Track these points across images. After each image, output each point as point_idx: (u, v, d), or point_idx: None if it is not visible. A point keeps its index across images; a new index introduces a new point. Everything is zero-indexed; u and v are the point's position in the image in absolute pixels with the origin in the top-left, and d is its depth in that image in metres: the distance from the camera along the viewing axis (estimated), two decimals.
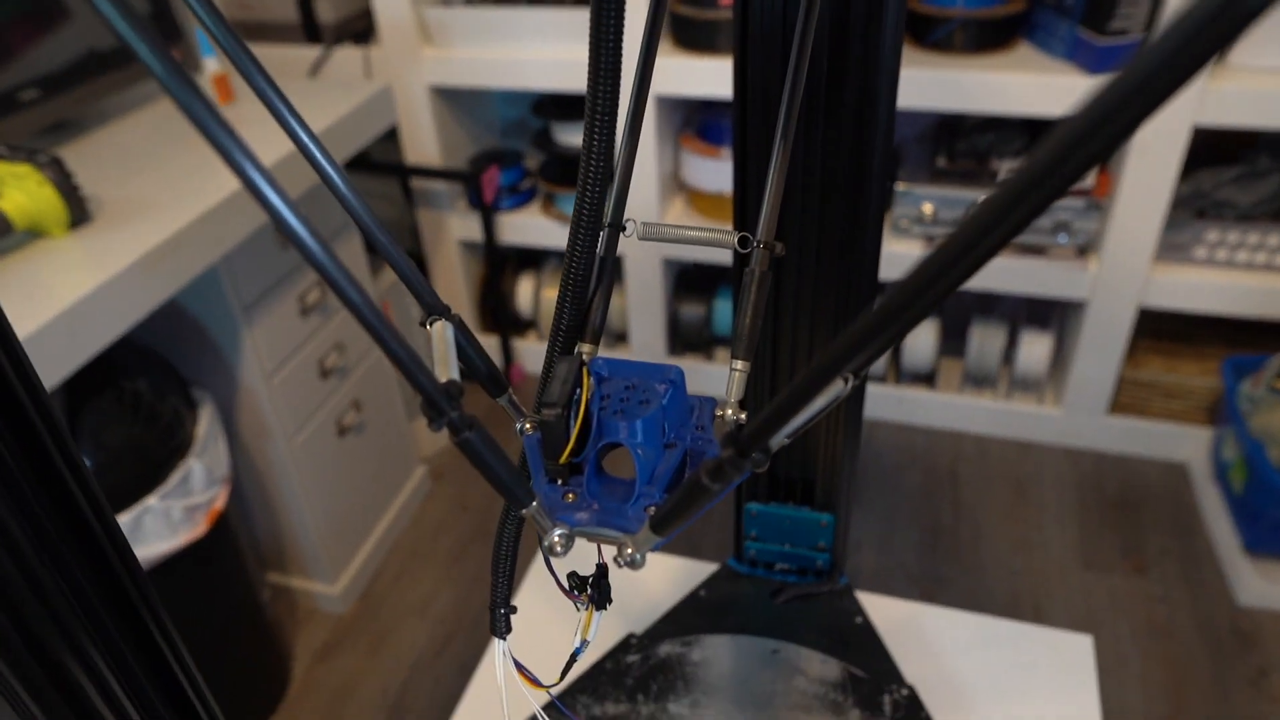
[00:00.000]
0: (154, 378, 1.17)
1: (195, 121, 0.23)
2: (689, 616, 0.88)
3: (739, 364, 0.45)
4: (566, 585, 0.47)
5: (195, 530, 1.16)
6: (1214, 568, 1.55)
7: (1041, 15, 1.55)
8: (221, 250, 1.14)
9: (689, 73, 1.61)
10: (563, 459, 0.39)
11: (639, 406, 0.40)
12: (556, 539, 0.37)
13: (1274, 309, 1.55)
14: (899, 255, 1.65)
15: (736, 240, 0.47)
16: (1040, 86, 1.47)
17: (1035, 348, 1.78)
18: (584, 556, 0.44)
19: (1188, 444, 1.74)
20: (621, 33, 0.40)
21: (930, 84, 1.51)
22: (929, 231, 1.67)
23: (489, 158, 1.89)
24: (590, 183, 0.43)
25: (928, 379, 1.90)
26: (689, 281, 1.97)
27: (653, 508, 0.38)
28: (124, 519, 1.09)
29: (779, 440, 0.32)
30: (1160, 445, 1.77)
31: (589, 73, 0.41)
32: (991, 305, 1.86)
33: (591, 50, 0.40)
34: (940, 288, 0.22)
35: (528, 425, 0.40)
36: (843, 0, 0.55)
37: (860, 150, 0.63)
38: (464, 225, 1.93)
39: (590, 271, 0.45)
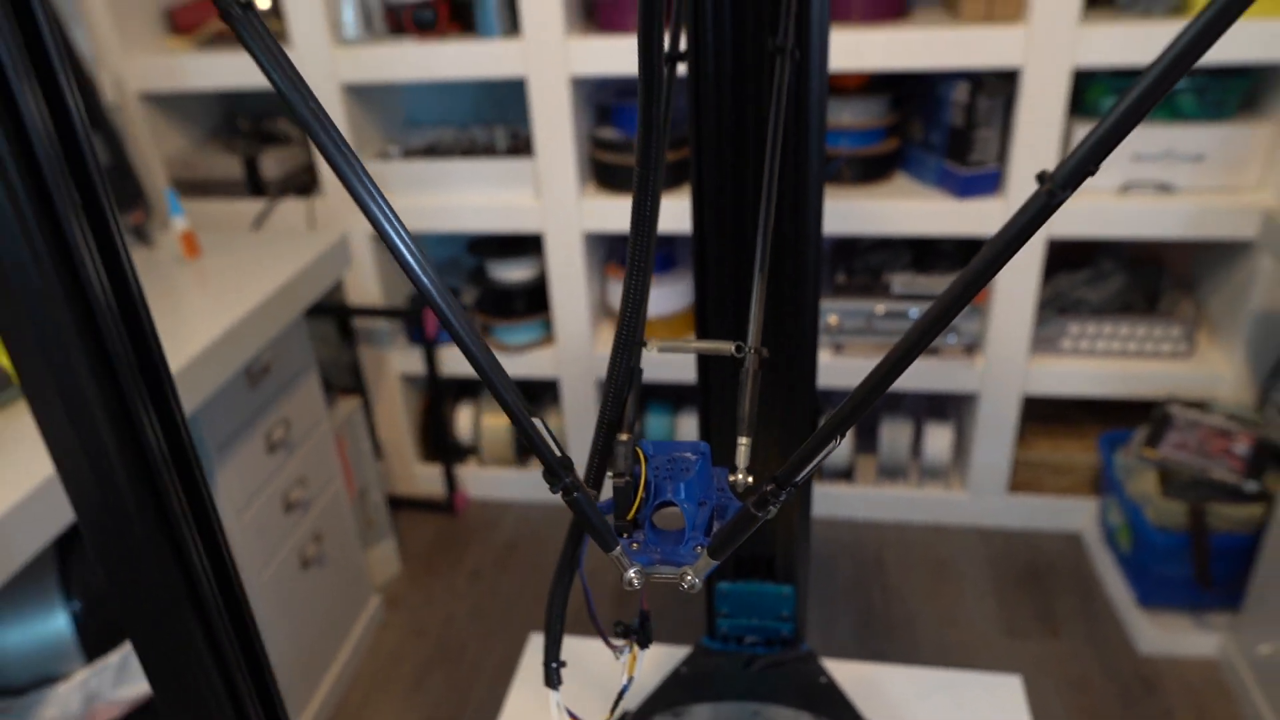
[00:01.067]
0: None
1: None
2: (674, 691, 0.98)
3: (743, 440, 0.58)
4: (613, 633, 0.58)
5: None
6: (1115, 623, 1.72)
7: (913, 151, 1.80)
8: (202, 397, 1.22)
9: (613, 210, 1.79)
10: (630, 515, 0.51)
11: (682, 473, 0.52)
12: (634, 575, 0.49)
13: (1133, 389, 1.79)
14: None
15: (734, 348, 0.61)
16: (917, 210, 1.71)
17: (938, 438, 1.97)
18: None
19: (1079, 514, 1.94)
20: (658, 208, 0.54)
21: (829, 214, 1.73)
22: (836, 340, 1.86)
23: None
24: (629, 312, 0.56)
25: (846, 475, 2.07)
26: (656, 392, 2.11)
27: (699, 546, 0.50)
28: (110, 660, 1.12)
29: (801, 478, 0.45)
30: (1056, 518, 1.96)
31: (630, 243, 0.53)
32: (897, 403, 2.06)
33: (633, 226, 0.53)
34: (896, 371, 0.37)
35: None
36: (789, 156, 0.72)
37: (800, 272, 0.79)
38: (405, 359, 2.03)
39: (627, 380, 0.58)
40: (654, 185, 0.51)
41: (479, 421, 2.14)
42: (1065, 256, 1.87)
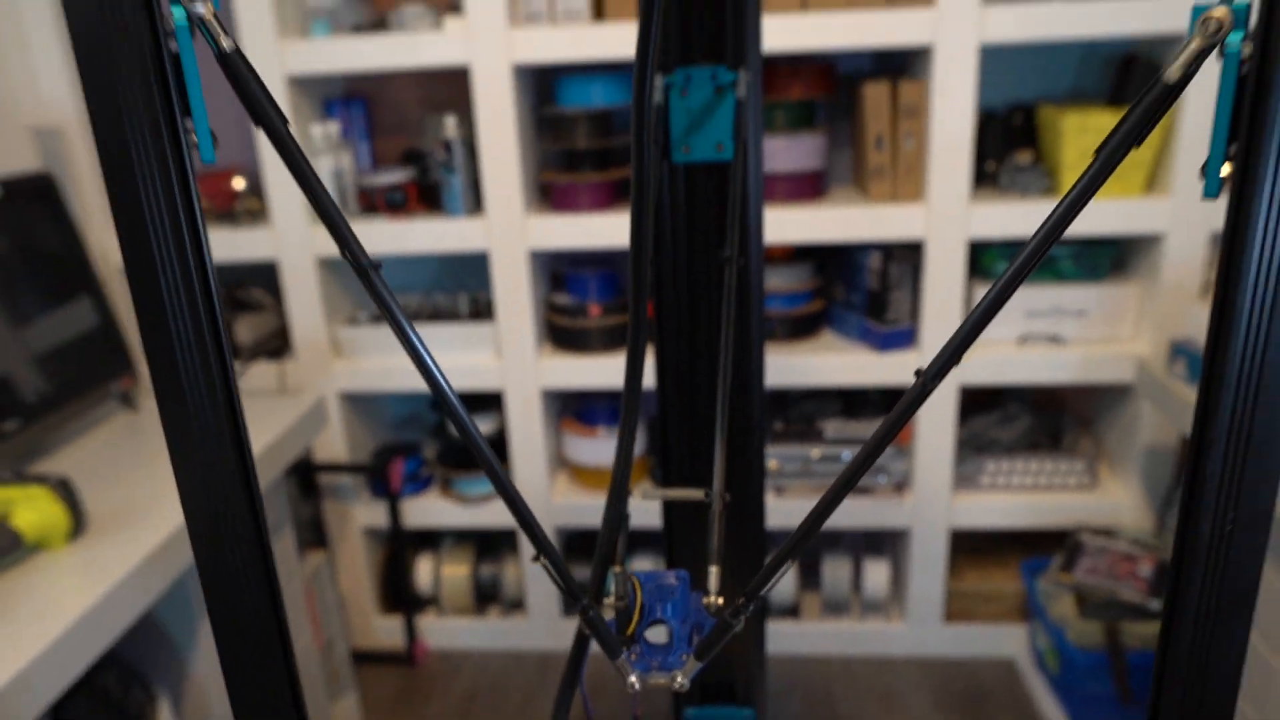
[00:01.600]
0: (120, 671, 1.27)
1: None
2: None
3: (714, 568, 0.71)
4: None
5: None
6: None
7: (837, 310, 2.02)
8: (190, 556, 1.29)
9: (568, 369, 1.95)
10: (629, 631, 0.63)
11: (669, 595, 0.65)
12: (634, 679, 0.61)
13: (1046, 519, 1.96)
14: None
15: (703, 494, 0.75)
16: (843, 363, 1.90)
17: (876, 573, 2.10)
18: None
19: (1011, 640, 2.07)
20: (639, 398, 0.68)
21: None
22: (777, 483, 2.01)
23: (391, 450, 2.12)
24: (620, 469, 0.69)
25: (793, 612, 2.17)
26: (574, 542, 2.20)
27: (685, 655, 0.62)
28: None
29: (766, 590, 0.58)
30: (990, 645, 2.08)
31: (621, 420, 0.68)
32: (836, 540, 2.20)
33: (623, 412, 0.67)
34: (834, 503, 0.51)
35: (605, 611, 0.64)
36: (738, 336, 0.88)
37: (747, 423, 0.94)
38: (368, 513, 2.11)
39: (619, 523, 0.71)
40: (637, 380, 0.65)
41: (439, 572, 2.20)
42: (977, 400, 2.08)
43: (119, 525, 1.24)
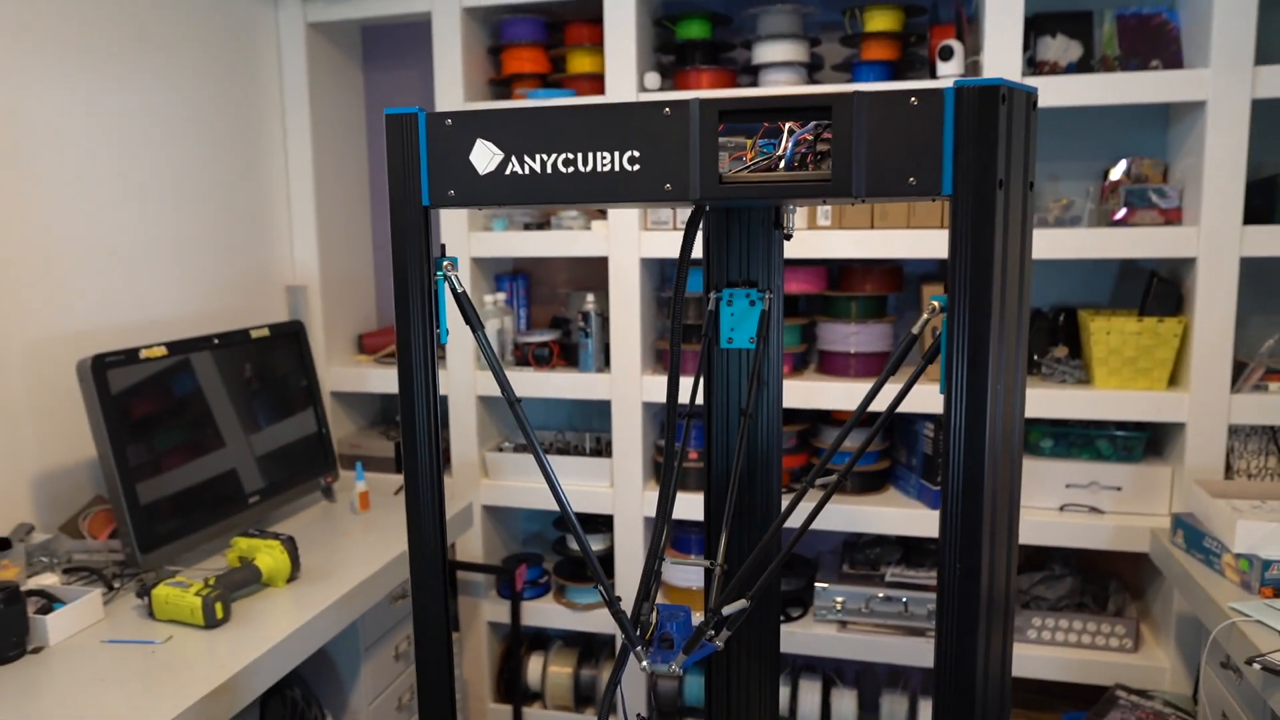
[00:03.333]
0: (304, 690, 1.70)
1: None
2: None
3: (702, 612, 1.08)
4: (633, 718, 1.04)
5: None
6: None
7: (900, 470, 2.35)
8: (369, 604, 1.74)
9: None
10: (647, 637, 1.01)
11: (674, 618, 1.03)
12: (646, 665, 0.98)
13: (1090, 675, 2.15)
14: (819, 636, 2.27)
15: (710, 563, 1.13)
16: (904, 516, 2.22)
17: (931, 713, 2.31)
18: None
19: None
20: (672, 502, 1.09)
21: (836, 515, 2.25)
22: (839, 618, 2.30)
23: (518, 558, 2.55)
24: (655, 549, 1.09)
25: None
26: None
27: (681, 655, 0.99)
28: None
29: (730, 613, 0.96)
30: None
31: (658, 506, 1.09)
32: (897, 679, 2.43)
33: (660, 501, 1.09)
34: (791, 511, 0.90)
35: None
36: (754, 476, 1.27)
37: (767, 506, 1.31)
38: (493, 610, 2.53)
39: (654, 582, 1.09)
40: (672, 488, 1.06)
41: (546, 670, 2.57)
42: (1027, 560, 2.32)
43: (319, 577, 1.70)
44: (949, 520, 0.82)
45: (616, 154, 0.79)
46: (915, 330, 0.81)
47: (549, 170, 0.81)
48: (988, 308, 0.76)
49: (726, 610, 0.95)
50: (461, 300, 0.90)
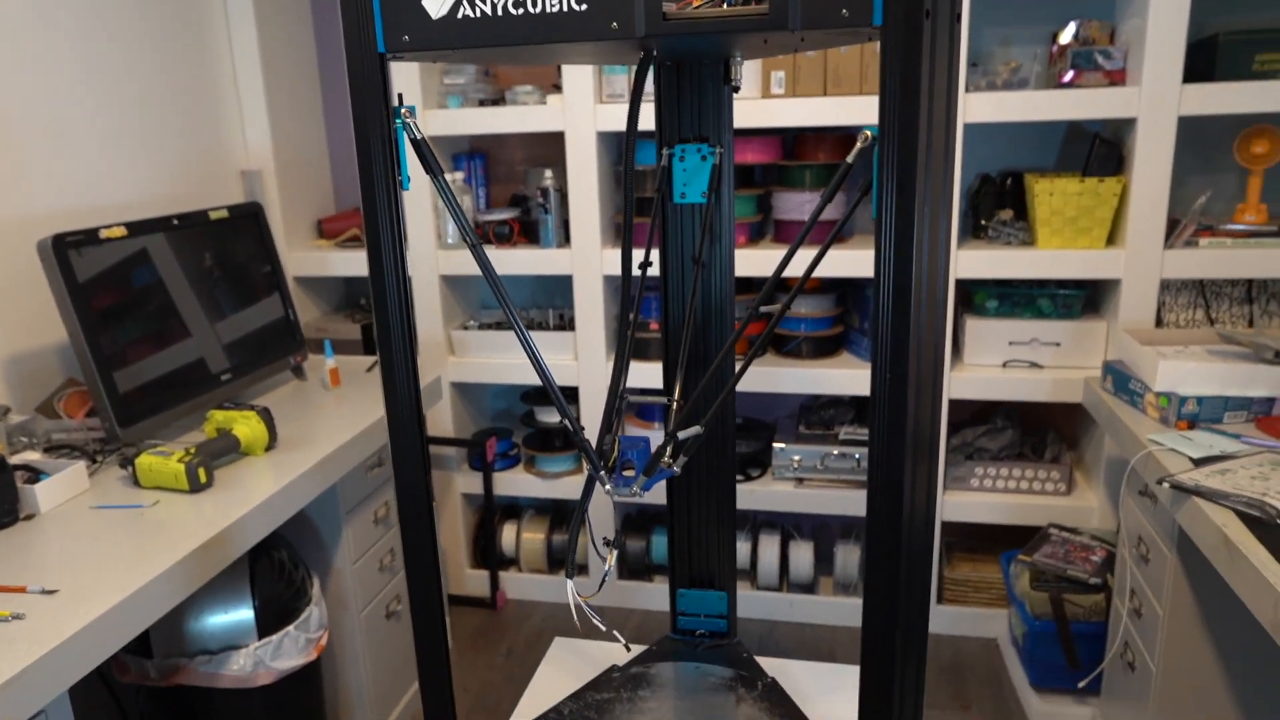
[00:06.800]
0: (290, 552, 1.79)
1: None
2: (648, 658, 1.50)
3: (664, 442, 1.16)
4: (601, 543, 1.14)
5: (310, 655, 1.72)
6: (1016, 702, 2.16)
7: (853, 334, 2.44)
8: (340, 474, 1.81)
9: (632, 371, 2.43)
10: (609, 465, 1.09)
11: (635, 447, 1.11)
12: (610, 490, 1.07)
13: (1027, 518, 2.31)
14: (777, 492, 2.40)
15: (667, 399, 1.20)
16: (856, 377, 2.32)
17: None
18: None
19: (995, 623, 2.41)
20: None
21: (792, 378, 2.35)
22: (797, 475, 2.43)
23: (487, 432, 2.63)
24: (616, 382, 1.16)
25: (809, 588, 2.56)
26: (631, 521, 2.66)
27: (641, 479, 1.08)
28: (272, 639, 1.66)
29: (685, 437, 1.04)
30: (977, 626, 2.43)
31: (617, 352, 1.15)
32: (849, 531, 2.58)
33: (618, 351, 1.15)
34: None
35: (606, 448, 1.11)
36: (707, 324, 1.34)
37: (722, 371, 1.39)
38: (466, 482, 2.62)
39: (618, 415, 1.17)
40: (628, 349, 1.13)
41: (520, 537, 2.69)
42: (969, 413, 2.45)
43: (295, 446, 1.77)
44: (879, 330, 0.89)
45: None
46: (849, 159, 0.86)
47: (499, 12, 0.84)
48: (915, 134, 0.81)
49: (682, 435, 1.03)
50: (420, 146, 0.94)
